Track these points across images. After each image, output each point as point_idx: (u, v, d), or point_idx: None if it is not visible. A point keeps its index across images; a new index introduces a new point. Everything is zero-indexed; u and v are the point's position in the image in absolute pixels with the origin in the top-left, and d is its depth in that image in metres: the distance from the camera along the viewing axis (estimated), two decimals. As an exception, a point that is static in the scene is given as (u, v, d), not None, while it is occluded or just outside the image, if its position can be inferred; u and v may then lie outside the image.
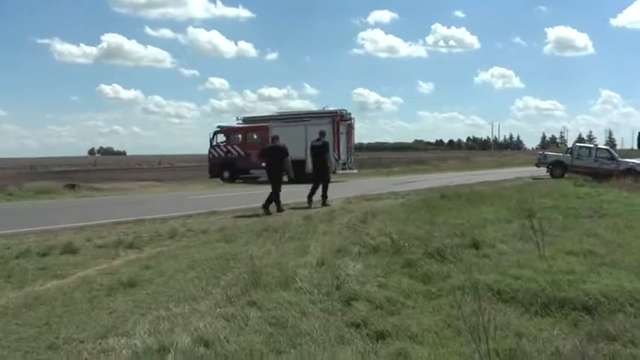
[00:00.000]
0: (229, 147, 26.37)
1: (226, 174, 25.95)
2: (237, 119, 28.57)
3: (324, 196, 13.65)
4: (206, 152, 27.43)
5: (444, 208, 10.97)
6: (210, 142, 26.92)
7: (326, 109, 27.16)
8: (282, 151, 12.87)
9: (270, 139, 13.90)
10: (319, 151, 13.98)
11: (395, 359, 3.50)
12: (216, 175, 26.42)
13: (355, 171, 27.14)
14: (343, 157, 25.20)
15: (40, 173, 37.18)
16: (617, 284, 4.83)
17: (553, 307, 4.51)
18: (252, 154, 25.17)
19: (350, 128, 26.05)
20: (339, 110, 25.91)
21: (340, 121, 25.03)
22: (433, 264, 5.96)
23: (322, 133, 14.54)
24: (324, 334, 3.91)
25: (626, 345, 3.71)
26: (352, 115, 26.52)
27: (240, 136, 26.66)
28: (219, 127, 27.62)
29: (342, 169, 24.98)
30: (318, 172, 14.02)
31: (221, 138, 26.91)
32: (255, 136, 26.09)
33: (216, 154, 26.72)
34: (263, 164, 13.72)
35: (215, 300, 4.88)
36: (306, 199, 13.56)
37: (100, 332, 4.18)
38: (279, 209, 12.41)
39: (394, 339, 3.86)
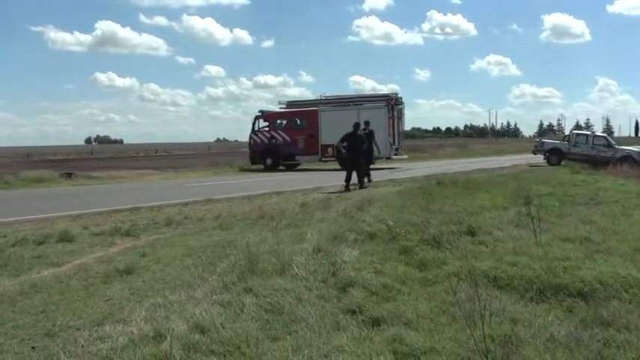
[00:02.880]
0: (273, 132, 25.34)
1: (269, 161, 25.06)
2: (280, 104, 27.50)
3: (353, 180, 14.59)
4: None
5: (441, 195, 10.96)
6: (252, 128, 25.86)
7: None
8: (360, 139, 14.55)
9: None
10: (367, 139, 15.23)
11: (390, 345, 3.50)
12: (257, 161, 25.53)
13: (405, 156, 26.55)
14: (396, 142, 24.47)
15: (37, 162, 37.03)
16: (612, 271, 4.84)
17: (548, 293, 4.52)
18: (298, 139, 24.58)
19: (400, 113, 25.24)
20: (392, 94, 25.25)
21: (394, 105, 24.34)
22: (429, 251, 5.97)
23: (367, 123, 15.81)
24: (320, 320, 3.92)
25: (621, 331, 3.72)
26: (403, 100, 25.86)
27: (284, 121, 25.69)
28: (260, 111, 26.54)
29: (395, 154, 24.37)
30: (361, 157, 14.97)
31: (263, 123, 25.73)
32: (299, 122, 25.26)
33: (259, 140, 25.58)
34: (344, 148, 14.94)
35: (211, 287, 4.88)
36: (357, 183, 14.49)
37: (96, 319, 4.19)
38: (347, 187, 13.77)
39: (389, 325, 3.87)
